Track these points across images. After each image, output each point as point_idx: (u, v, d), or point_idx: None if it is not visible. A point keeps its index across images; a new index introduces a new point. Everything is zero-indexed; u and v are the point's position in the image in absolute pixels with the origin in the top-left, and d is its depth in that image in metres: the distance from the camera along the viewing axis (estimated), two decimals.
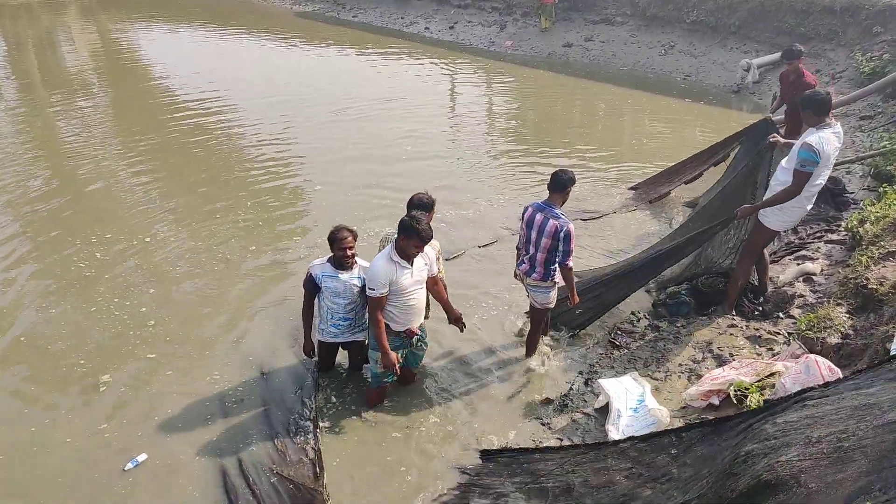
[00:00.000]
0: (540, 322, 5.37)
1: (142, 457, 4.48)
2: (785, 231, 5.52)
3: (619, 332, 5.77)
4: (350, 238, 4.67)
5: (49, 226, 7.84)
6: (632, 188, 8.83)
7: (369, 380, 4.93)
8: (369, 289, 4.36)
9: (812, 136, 4.83)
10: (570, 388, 5.11)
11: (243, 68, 16.82)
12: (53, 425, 4.78)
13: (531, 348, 5.49)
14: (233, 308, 6.25)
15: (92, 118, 12.59)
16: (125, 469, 4.39)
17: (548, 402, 4.99)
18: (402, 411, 4.94)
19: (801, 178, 4.87)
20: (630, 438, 3.95)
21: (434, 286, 4.82)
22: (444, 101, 14.21)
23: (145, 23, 24.15)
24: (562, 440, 4.54)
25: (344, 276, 4.76)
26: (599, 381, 4.95)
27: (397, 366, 4.59)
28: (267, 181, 9.46)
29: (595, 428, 4.63)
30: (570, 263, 4.88)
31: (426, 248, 4.50)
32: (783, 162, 5.17)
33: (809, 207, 5.19)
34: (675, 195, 8.45)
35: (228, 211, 8.34)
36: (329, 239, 4.70)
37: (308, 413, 4.85)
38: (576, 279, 5.35)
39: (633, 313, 6.00)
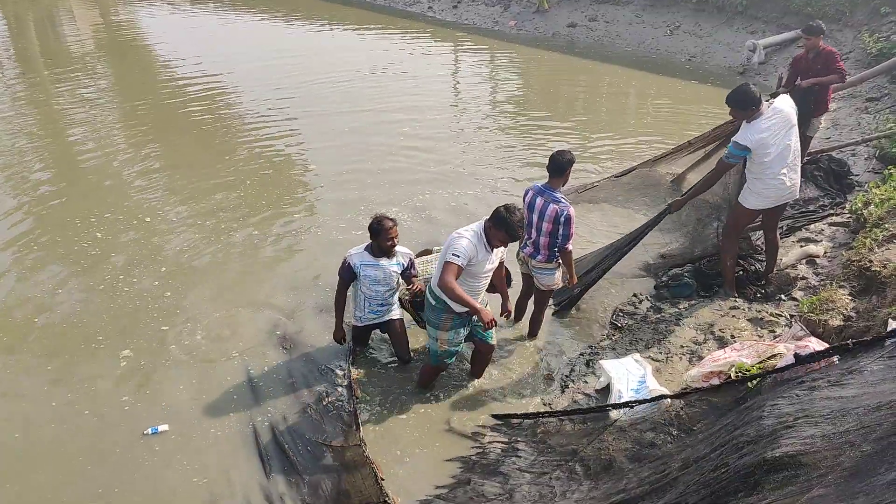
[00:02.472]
0: (545, 303, 5.36)
1: (163, 426, 4.57)
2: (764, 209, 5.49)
3: (620, 314, 5.77)
4: (394, 228, 4.68)
5: (48, 205, 7.87)
6: (617, 176, 8.56)
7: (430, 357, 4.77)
8: (452, 254, 4.12)
9: (740, 134, 5.04)
10: (572, 369, 5.13)
11: (243, 45, 16.72)
12: (74, 400, 4.85)
13: (534, 329, 5.50)
14: (246, 285, 6.32)
15: (91, 96, 12.54)
16: (145, 433, 4.50)
17: (549, 378, 5.02)
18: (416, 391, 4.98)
19: (721, 167, 5.27)
20: (627, 404, 3.98)
21: (498, 270, 4.71)
22: (446, 80, 14.11)
23: (147, 1, 23.94)
24: (563, 420, 4.55)
25: (384, 262, 4.76)
26: (601, 361, 4.96)
27: (491, 318, 4.26)
28: (266, 157, 9.48)
29: None
30: (570, 247, 4.87)
31: None
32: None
33: (787, 184, 5.17)
34: (662, 172, 8.31)
35: (229, 188, 8.35)
36: (372, 229, 4.67)
37: (341, 381, 4.94)
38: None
39: (635, 295, 6.00)
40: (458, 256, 4.12)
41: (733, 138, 5.11)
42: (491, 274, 4.48)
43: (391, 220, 4.71)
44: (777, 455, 2.56)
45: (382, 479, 3.97)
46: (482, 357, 4.93)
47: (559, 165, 4.75)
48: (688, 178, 7.84)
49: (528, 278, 5.41)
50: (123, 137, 10.29)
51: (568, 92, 13.44)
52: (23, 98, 12.45)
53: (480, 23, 19.02)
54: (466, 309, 4.32)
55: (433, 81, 13.62)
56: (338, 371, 5.08)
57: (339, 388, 4.89)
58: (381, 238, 4.65)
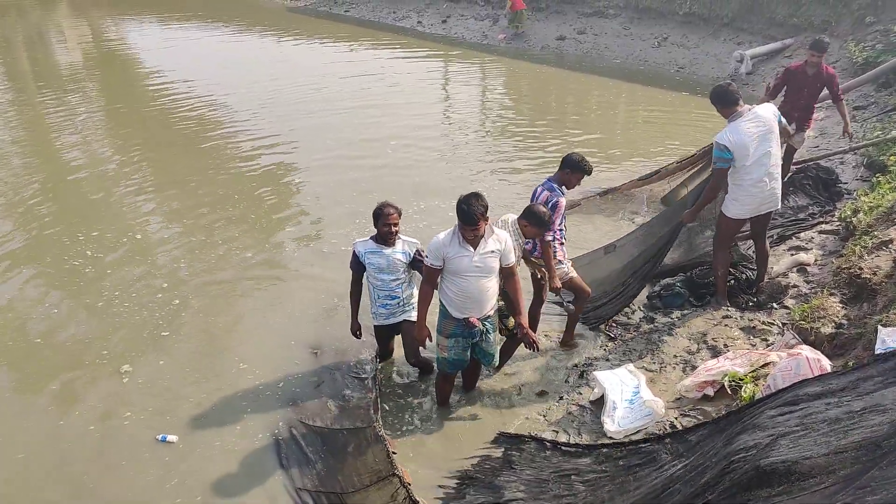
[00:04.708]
0: (581, 293, 5.27)
1: (172, 437, 4.58)
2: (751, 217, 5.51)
3: (613, 325, 5.77)
4: (395, 214, 4.68)
5: (37, 224, 7.79)
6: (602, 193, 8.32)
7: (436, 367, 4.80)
8: (425, 256, 4.31)
9: (720, 133, 5.07)
10: (566, 380, 5.11)
11: (234, 61, 16.77)
12: (79, 417, 4.83)
13: (570, 329, 5.49)
14: (244, 297, 6.36)
15: (81, 113, 12.51)
16: (157, 438, 4.56)
17: (543, 394, 5.00)
18: (402, 403, 4.99)
19: (718, 174, 5.23)
20: (625, 444, 3.96)
21: (510, 280, 4.41)
22: (436, 93, 14.18)
23: (136, 19, 23.99)
24: (557, 432, 4.54)
25: (387, 250, 4.76)
26: (594, 373, 4.95)
27: (426, 341, 4.52)
28: (255, 171, 9.51)
29: (590, 420, 4.63)
30: (549, 237, 4.81)
31: (501, 233, 4.28)
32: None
33: (766, 192, 5.21)
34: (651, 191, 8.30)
35: (217, 203, 8.34)
36: (374, 215, 4.70)
37: (366, 375, 5.09)
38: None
39: (627, 305, 5.99)
40: (427, 256, 4.24)
41: (714, 138, 5.16)
42: (485, 276, 4.21)
43: (394, 207, 4.70)
44: (770, 463, 2.55)
45: (394, 454, 4.07)
46: (473, 371, 4.91)
47: (564, 161, 4.92)
48: (679, 194, 7.77)
49: (535, 280, 5.38)
50: (110, 153, 10.28)
51: (558, 103, 13.53)
52: (11, 114, 12.41)
53: (470, 37, 19.15)
54: (465, 316, 4.29)
55: (423, 94, 13.69)
56: (360, 370, 5.21)
57: (360, 384, 5.02)
58: (380, 222, 4.66)
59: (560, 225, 4.99)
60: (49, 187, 8.97)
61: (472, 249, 4.11)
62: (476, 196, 3.98)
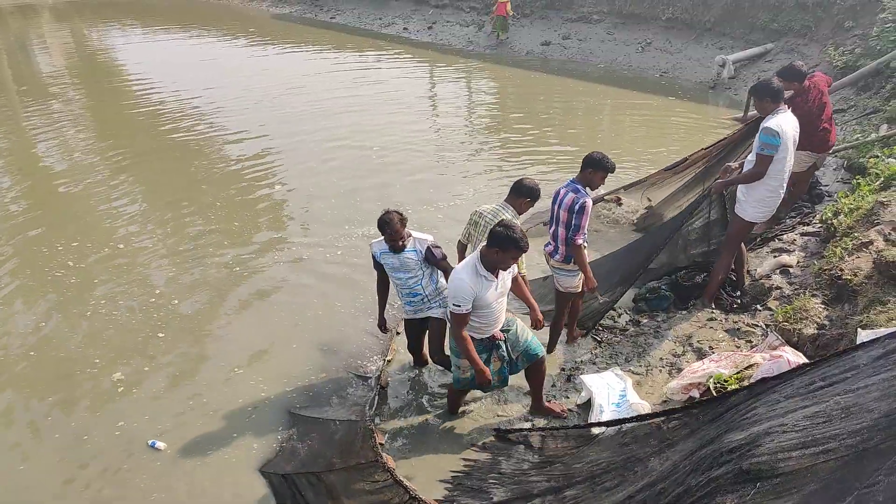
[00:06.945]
0: (563, 307, 5.25)
1: (161, 444, 4.61)
2: (762, 222, 5.61)
3: (600, 328, 5.80)
4: (396, 223, 4.48)
5: (14, 235, 7.72)
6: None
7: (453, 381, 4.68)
8: (453, 304, 3.95)
9: (770, 120, 5.03)
10: (553, 385, 5.13)
11: (217, 68, 16.73)
12: (76, 428, 4.84)
13: (552, 341, 5.42)
14: (234, 305, 6.34)
15: (62, 120, 12.44)
16: (148, 443, 4.61)
17: (531, 395, 5.01)
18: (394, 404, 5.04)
19: (765, 161, 5.07)
20: (616, 421, 3.99)
21: (515, 284, 4.41)
22: (421, 98, 14.20)
23: (120, 27, 23.88)
24: (545, 437, 4.54)
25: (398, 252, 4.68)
26: (581, 376, 4.97)
27: (491, 379, 4.30)
28: (236, 176, 9.52)
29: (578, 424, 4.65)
30: (580, 241, 4.75)
31: None
32: (748, 157, 5.32)
33: (783, 194, 5.31)
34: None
35: (197, 212, 8.33)
36: (378, 224, 4.53)
37: (371, 381, 5.16)
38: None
39: (613, 308, 6.02)
40: (459, 306, 3.93)
41: (763, 124, 5.03)
42: (504, 298, 4.21)
43: (397, 213, 4.54)
44: (753, 464, 2.57)
45: (381, 444, 4.15)
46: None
47: (585, 160, 4.84)
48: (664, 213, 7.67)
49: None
50: (90, 160, 10.21)
51: (544, 107, 13.59)
52: None
53: (455, 42, 19.23)
54: (488, 335, 4.21)
55: (409, 99, 13.74)
56: (362, 370, 5.30)
57: (362, 383, 5.13)
58: (384, 233, 4.53)
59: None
60: (27, 197, 8.90)
61: (495, 278, 4.01)
62: (513, 224, 3.90)
